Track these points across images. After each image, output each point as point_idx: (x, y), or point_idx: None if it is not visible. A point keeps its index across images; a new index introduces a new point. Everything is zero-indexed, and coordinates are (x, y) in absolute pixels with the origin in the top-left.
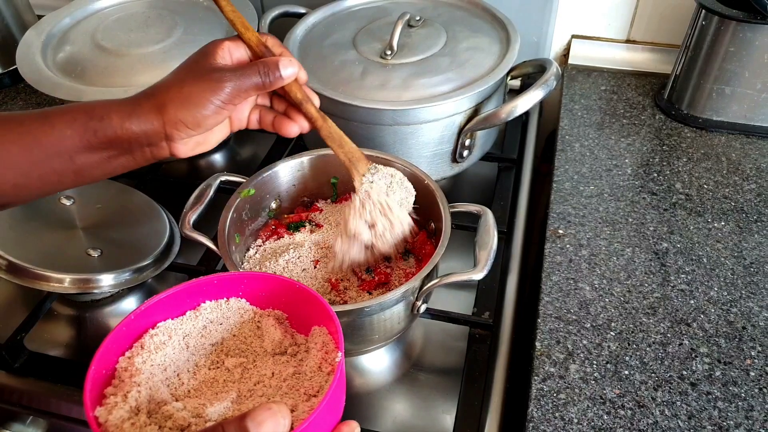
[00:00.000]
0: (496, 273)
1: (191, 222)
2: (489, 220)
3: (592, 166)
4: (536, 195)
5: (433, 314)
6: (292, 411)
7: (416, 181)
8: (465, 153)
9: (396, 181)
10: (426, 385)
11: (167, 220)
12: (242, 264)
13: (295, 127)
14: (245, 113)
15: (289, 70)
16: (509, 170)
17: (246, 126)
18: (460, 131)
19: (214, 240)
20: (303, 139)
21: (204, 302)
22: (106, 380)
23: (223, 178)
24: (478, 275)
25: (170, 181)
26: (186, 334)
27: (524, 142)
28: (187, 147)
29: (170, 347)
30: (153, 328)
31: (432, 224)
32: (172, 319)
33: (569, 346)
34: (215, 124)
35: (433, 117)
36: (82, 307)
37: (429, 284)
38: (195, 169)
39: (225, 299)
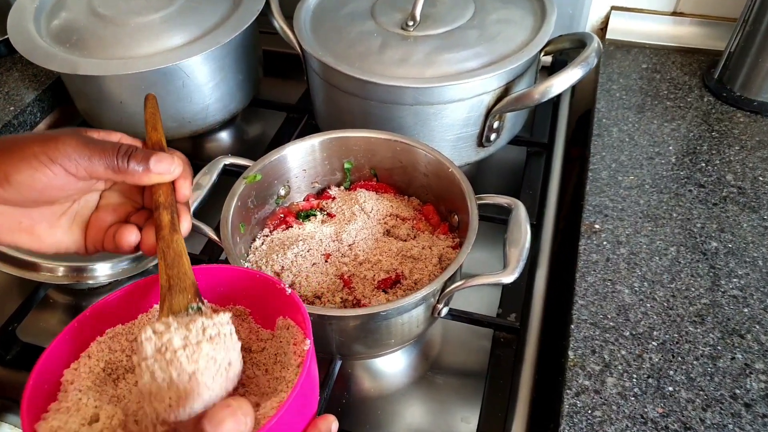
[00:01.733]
0: (523, 270)
1: (191, 210)
2: (521, 214)
3: (631, 154)
4: (565, 182)
5: (454, 315)
6: (257, 408)
7: (439, 167)
8: (492, 137)
9: (219, 342)
10: (444, 389)
11: None
12: (247, 256)
13: (132, 236)
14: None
15: (163, 165)
16: (539, 156)
17: (102, 247)
18: (488, 113)
19: (217, 230)
20: (315, 119)
21: (157, 303)
22: (49, 394)
23: (227, 161)
24: (509, 278)
25: None
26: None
27: (555, 124)
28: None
29: (122, 355)
30: (102, 336)
31: (455, 216)
32: (123, 324)
33: (606, 356)
34: (29, 184)
35: (458, 96)
36: (79, 294)
37: (452, 286)
38: (199, 148)
39: (211, 310)
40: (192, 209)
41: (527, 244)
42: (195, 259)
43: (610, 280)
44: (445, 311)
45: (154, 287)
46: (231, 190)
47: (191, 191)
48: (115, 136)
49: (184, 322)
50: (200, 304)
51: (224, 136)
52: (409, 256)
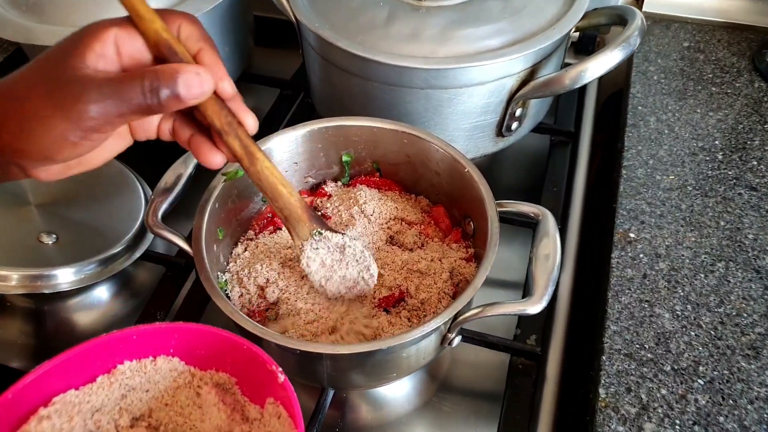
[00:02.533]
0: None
1: (160, 213)
2: (549, 227)
3: (671, 149)
4: (591, 176)
5: (466, 337)
6: None
7: (453, 166)
8: (513, 125)
9: (349, 255)
10: (453, 416)
11: (144, 195)
12: (227, 265)
13: (217, 157)
14: (153, 122)
15: (196, 88)
16: (564, 146)
17: (156, 137)
18: (510, 98)
19: (190, 238)
20: (311, 98)
21: (122, 363)
22: None
23: None
24: (535, 308)
25: (151, 142)
26: (96, 408)
27: (581, 110)
28: (51, 172)
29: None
30: (46, 406)
31: (470, 223)
32: (76, 389)
33: (643, 396)
34: (76, 156)
35: (477, 80)
36: (40, 299)
37: (466, 315)
38: None
39: (151, 358)
40: (161, 211)
41: (557, 266)
42: (172, 263)
43: (647, 301)
44: (457, 341)
45: (113, 347)
46: (207, 191)
47: (233, 85)
48: (127, 45)
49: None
50: (321, 230)
51: None
52: (416, 270)
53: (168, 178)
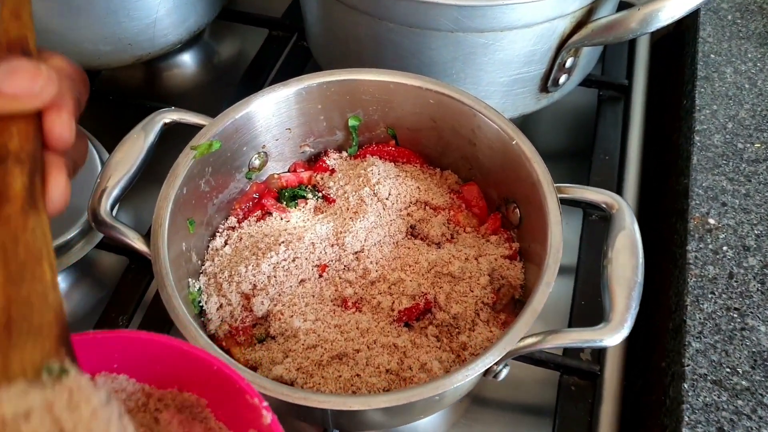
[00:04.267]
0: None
1: (110, 202)
2: (627, 223)
3: (755, 108)
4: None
5: None
6: None
7: (495, 136)
8: (561, 79)
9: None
10: None
11: (100, 162)
12: (202, 266)
13: None
14: None
15: (18, 80)
16: (614, 103)
17: None
18: (561, 45)
19: (148, 236)
20: (306, 40)
21: None
22: None
23: (168, 118)
24: (614, 337)
25: (115, 99)
26: None
27: (633, 59)
28: None
29: None
30: None
31: (515, 209)
32: None
33: None
34: None
35: (522, 21)
36: None
37: (521, 345)
38: (153, 80)
39: (88, 377)
40: (112, 198)
41: (641, 279)
42: (134, 255)
43: (736, 309)
44: (504, 373)
45: None
46: (171, 172)
47: (72, 133)
48: None
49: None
50: (66, 364)
51: (187, 61)
52: (446, 273)
53: (121, 151)
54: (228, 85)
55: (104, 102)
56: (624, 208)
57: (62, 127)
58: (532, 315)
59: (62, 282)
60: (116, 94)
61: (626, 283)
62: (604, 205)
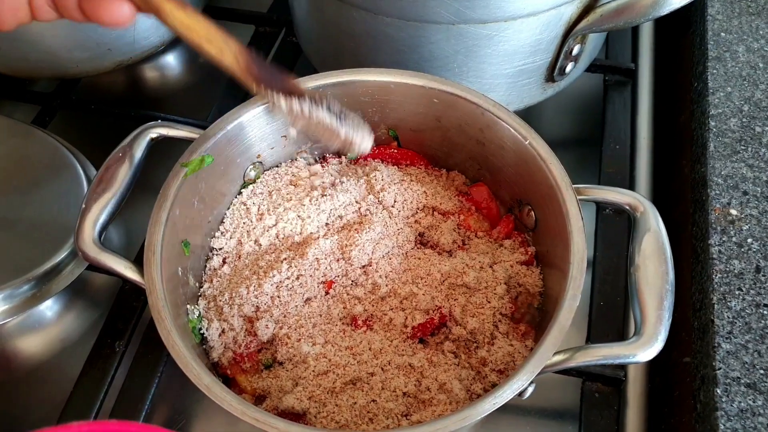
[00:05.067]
0: (619, 283)
1: (98, 229)
2: (653, 224)
3: None
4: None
5: None
6: None
7: (505, 136)
8: (568, 67)
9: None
10: None
11: (86, 177)
12: (200, 288)
13: (123, 7)
14: None
15: None
16: (621, 88)
17: (32, 19)
18: (568, 32)
19: (139, 261)
20: (296, 35)
21: None
22: None
23: (155, 133)
24: (647, 352)
25: (98, 108)
26: None
27: (637, 41)
28: None
29: None
30: None
31: (531, 212)
32: None
33: None
34: None
35: (527, 9)
36: None
37: (548, 362)
38: (136, 84)
39: None
40: (99, 225)
41: (671, 286)
42: (117, 294)
43: (767, 306)
44: (530, 391)
45: None
46: (161, 193)
47: None
48: None
49: None
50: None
51: (170, 63)
52: (461, 284)
53: (106, 172)
54: (215, 85)
55: (85, 111)
56: (648, 210)
57: None
58: (560, 332)
59: (53, 305)
60: (98, 102)
61: (657, 292)
62: (627, 207)
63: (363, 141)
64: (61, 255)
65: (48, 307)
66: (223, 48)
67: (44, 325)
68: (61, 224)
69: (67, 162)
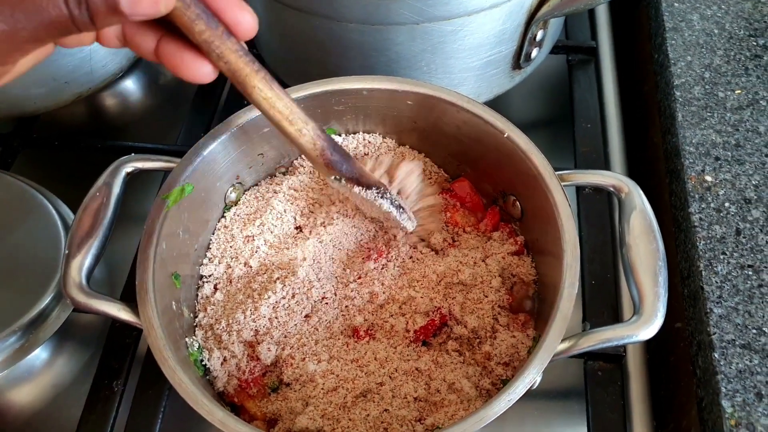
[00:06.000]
0: (607, 260)
1: (84, 273)
2: (639, 203)
3: (728, 53)
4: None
5: None
6: None
7: (483, 131)
8: (533, 52)
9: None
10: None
11: (59, 217)
12: (194, 319)
13: (204, 67)
14: None
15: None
16: (585, 66)
17: (94, 41)
18: (530, 19)
19: (130, 300)
20: (258, 48)
21: None
22: None
23: (130, 168)
24: (648, 330)
25: (61, 143)
26: None
27: (594, 19)
28: None
29: None
30: None
31: (515, 202)
32: None
33: None
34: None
35: (489, 1)
36: None
37: (556, 352)
38: (98, 116)
39: None
40: (85, 268)
41: (664, 261)
42: (109, 332)
43: (750, 266)
44: (538, 381)
45: None
46: (145, 230)
47: None
48: None
49: None
50: (340, 179)
51: (130, 88)
52: (457, 282)
53: (86, 214)
54: (179, 105)
55: (49, 148)
56: (632, 189)
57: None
58: (563, 321)
59: (42, 353)
60: (61, 138)
61: (651, 270)
62: (611, 189)
63: (408, 225)
64: (45, 300)
65: (35, 356)
66: (303, 129)
67: (34, 374)
68: (40, 268)
69: (36, 203)
